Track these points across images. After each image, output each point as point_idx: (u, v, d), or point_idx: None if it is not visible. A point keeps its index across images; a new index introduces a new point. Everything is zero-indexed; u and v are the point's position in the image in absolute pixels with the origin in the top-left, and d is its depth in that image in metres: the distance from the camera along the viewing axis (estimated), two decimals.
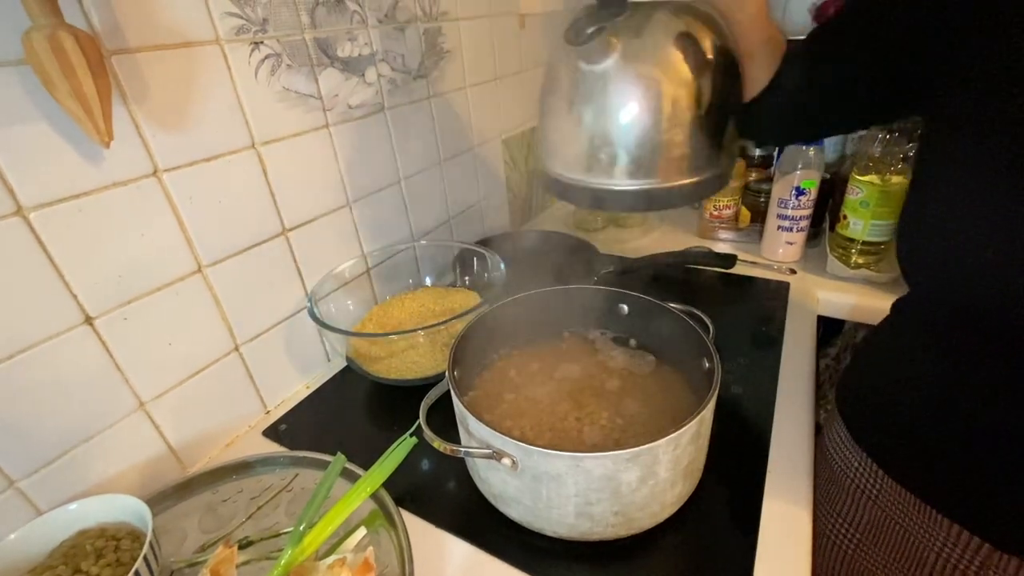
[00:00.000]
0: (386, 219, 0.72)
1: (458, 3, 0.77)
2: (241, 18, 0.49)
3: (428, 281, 0.76)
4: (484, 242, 0.81)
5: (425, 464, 0.51)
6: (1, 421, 0.39)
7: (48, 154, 0.39)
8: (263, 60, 0.52)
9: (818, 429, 0.56)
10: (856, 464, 0.49)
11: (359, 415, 0.60)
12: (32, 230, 0.39)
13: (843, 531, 0.52)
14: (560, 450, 0.35)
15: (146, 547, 0.39)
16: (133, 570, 0.37)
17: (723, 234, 0.94)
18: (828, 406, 1.12)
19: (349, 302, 0.67)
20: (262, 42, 0.52)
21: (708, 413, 0.39)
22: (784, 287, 0.77)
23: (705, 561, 0.40)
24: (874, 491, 0.48)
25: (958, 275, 0.35)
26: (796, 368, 0.61)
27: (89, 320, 0.43)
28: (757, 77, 0.45)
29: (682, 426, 0.36)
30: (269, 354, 0.60)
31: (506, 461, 0.38)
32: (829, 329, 1.04)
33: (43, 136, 0.38)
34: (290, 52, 0.54)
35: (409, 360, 0.59)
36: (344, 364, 0.67)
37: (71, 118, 0.37)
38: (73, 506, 0.41)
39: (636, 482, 0.37)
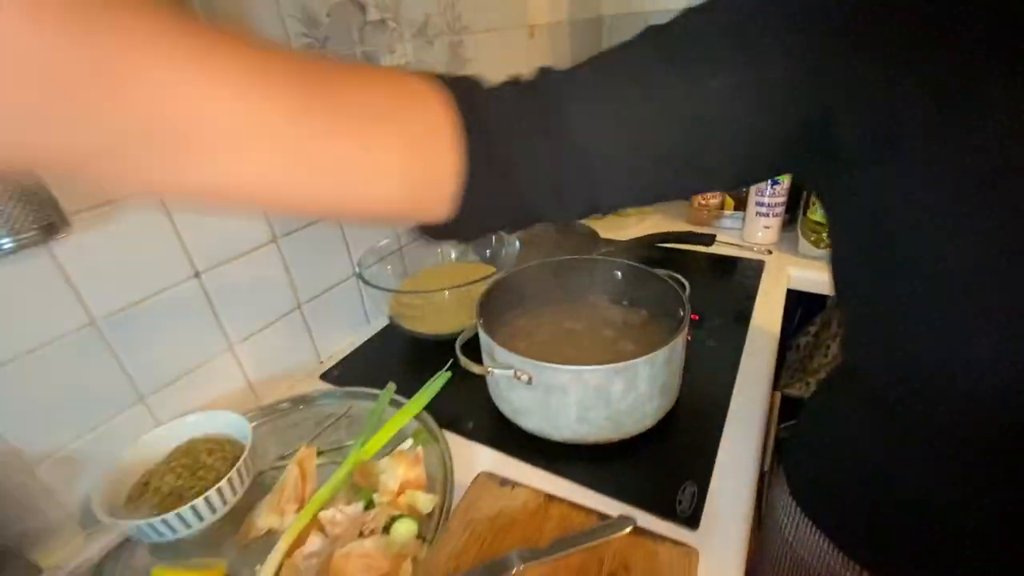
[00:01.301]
0: None
1: (476, 18, 0.89)
2: (309, 36, 0.61)
3: (452, 256, 0.88)
4: None
5: (458, 394, 0.63)
6: (138, 349, 0.51)
7: None
8: None
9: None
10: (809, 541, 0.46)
11: (399, 363, 0.72)
12: (165, 206, 0.51)
13: None
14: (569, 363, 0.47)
15: (248, 447, 0.51)
16: (241, 459, 0.49)
17: (711, 220, 1.05)
18: (809, 379, 1.23)
19: (388, 267, 0.79)
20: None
21: (679, 342, 0.51)
22: (760, 264, 0.89)
23: (677, 464, 0.52)
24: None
25: (895, 353, 0.32)
26: (763, 327, 0.72)
27: (198, 274, 0.55)
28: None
29: (657, 349, 0.48)
30: (323, 313, 0.72)
31: (524, 377, 0.49)
32: (810, 308, 1.15)
33: None
34: None
35: (439, 319, 0.71)
36: (382, 325, 0.79)
37: None
38: (191, 417, 0.54)
39: (622, 392, 0.48)
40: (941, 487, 0.35)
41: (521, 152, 0.27)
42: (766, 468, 0.64)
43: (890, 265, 0.29)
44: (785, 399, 1.19)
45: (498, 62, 0.97)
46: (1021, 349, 0.26)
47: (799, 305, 1.06)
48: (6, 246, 0.40)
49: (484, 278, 0.68)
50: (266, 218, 0.61)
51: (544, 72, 0.29)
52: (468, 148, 0.26)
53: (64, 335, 0.46)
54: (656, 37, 0.28)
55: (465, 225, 0.28)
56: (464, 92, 0.27)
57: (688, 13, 0.28)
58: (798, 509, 0.47)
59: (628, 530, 0.41)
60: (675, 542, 0.41)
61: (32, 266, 0.43)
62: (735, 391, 0.61)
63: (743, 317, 0.74)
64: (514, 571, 0.38)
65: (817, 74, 0.26)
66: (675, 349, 0.51)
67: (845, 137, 0.27)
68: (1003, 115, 0.23)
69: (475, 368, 0.51)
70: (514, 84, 0.29)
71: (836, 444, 0.44)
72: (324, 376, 0.70)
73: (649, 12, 1.34)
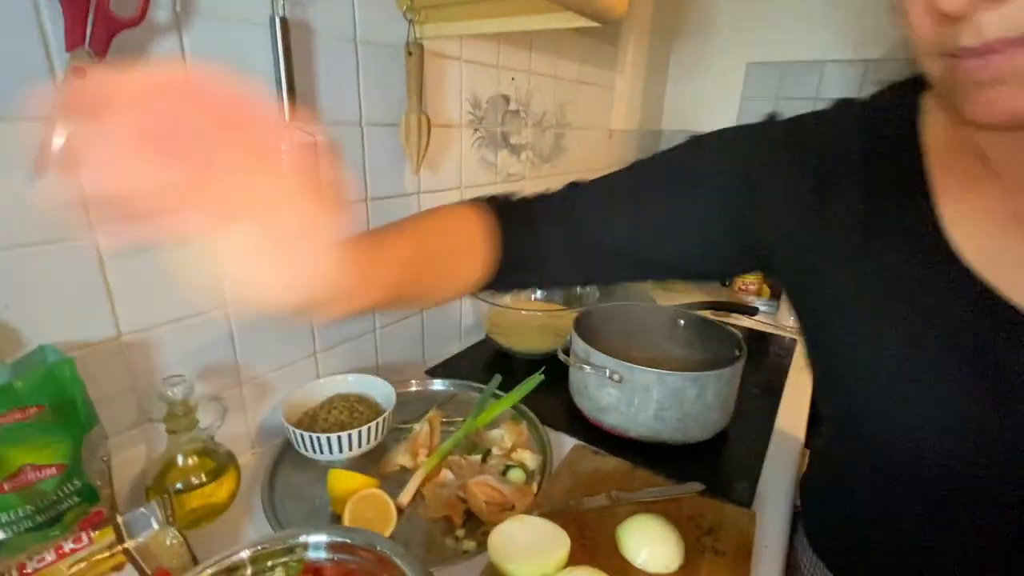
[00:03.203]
0: None
1: (575, 118, 1.13)
2: (473, 116, 0.84)
3: (538, 295, 1.05)
4: None
5: (542, 400, 0.76)
6: None
7: (385, 173, 0.71)
8: (475, 140, 0.86)
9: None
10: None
11: (492, 370, 0.86)
12: (367, 211, 0.70)
13: None
14: (651, 368, 0.62)
15: (391, 407, 0.64)
16: (388, 411, 0.63)
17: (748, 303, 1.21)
18: None
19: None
20: (478, 129, 0.86)
21: (739, 367, 0.65)
22: (792, 343, 1.03)
23: (730, 469, 0.64)
24: None
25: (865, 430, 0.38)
26: (797, 381, 0.85)
27: None
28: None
29: (722, 367, 0.62)
30: (435, 322, 0.88)
31: (616, 376, 0.64)
32: None
33: (387, 164, 0.71)
34: (489, 137, 0.89)
35: (527, 339, 0.86)
36: (473, 342, 0.94)
37: (406, 157, 0.69)
38: (351, 377, 0.68)
39: (694, 398, 0.62)
40: (928, 535, 0.40)
41: (544, 236, 0.45)
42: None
43: (831, 354, 0.40)
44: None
45: (584, 153, 1.21)
46: (955, 426, 0.33)
47: None
48: None
49: (571, 309, 0.84)
50: None
51: (572, 184, 0.47)
52: (502, 235, 0.43)
53: None
54: (641, 169, 0.46)
55: (504, 283, 0.45)
56: (501, 203, 0.46)
57: (660, 154, 0.46)
58: (813, 553, 0.52)
59: (699, 490, 0.53)
60: (737, 504, 0.53)
61: None
62: (777, 422, 0.73)
63: (780, 375, 0.88)
64: (613, 503, 0.51)
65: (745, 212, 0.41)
66: (736, 372, 0.65)
67: (779, 264, 0.42)
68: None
69: (574, 362, 0.66)
70: (545, 195, 0.47)
71: (833, 507, 0.50)
72: (430, 371, 0.84)
73: (693, 130, 1.61)
